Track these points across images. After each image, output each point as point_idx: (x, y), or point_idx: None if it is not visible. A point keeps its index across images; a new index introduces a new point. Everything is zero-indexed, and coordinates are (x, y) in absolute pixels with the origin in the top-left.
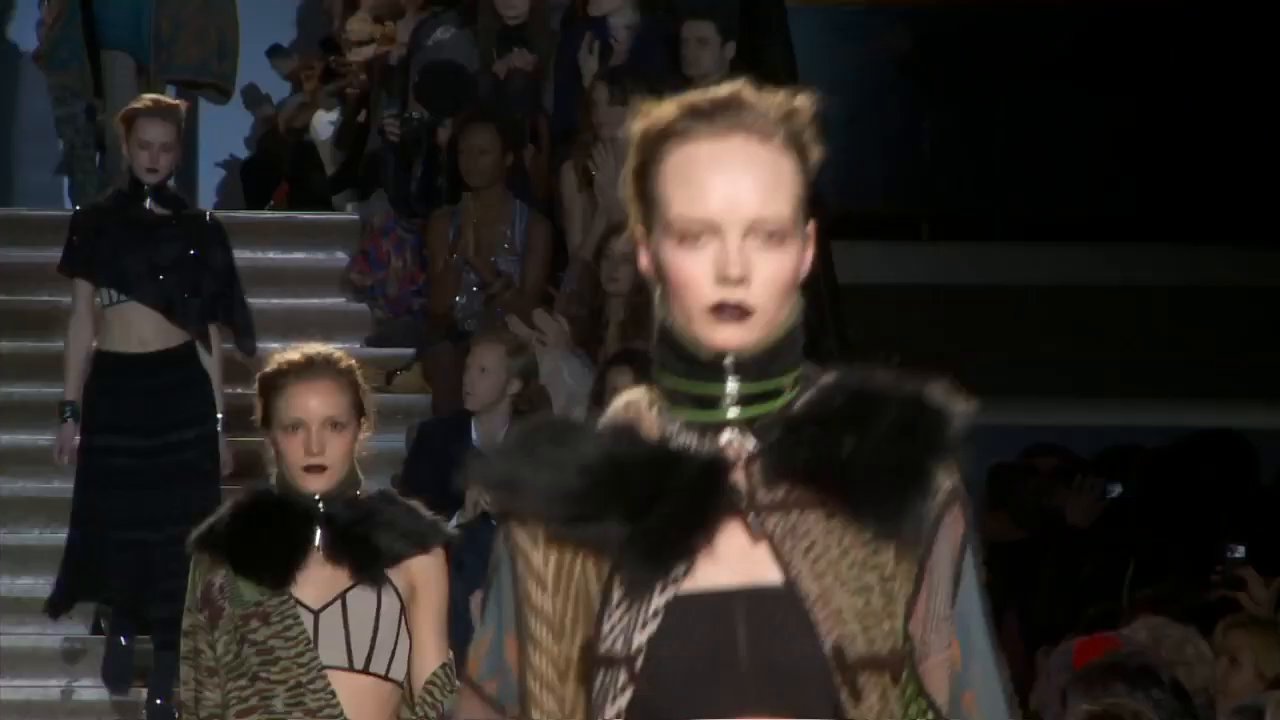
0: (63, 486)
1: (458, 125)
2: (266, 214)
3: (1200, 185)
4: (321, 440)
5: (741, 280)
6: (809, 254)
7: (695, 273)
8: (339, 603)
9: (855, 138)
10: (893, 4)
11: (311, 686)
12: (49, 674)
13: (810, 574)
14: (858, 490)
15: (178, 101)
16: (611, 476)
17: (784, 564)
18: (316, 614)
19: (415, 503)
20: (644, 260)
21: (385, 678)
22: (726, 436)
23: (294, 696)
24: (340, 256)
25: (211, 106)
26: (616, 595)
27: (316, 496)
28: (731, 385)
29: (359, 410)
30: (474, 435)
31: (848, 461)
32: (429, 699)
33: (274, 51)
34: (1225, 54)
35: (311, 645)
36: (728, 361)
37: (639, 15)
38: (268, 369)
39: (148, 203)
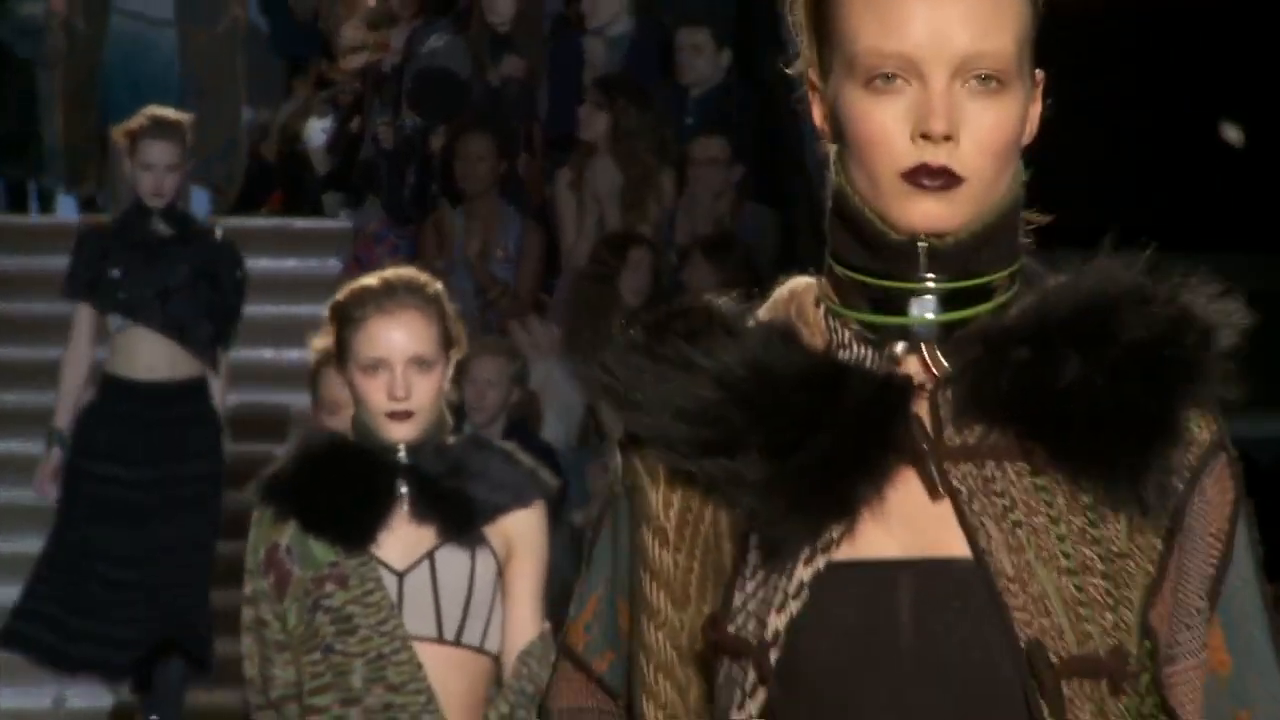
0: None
1: (453, 133)
2: (259, 221)
3: (1202, 191)
4: (407, 382)
5: (948, 137)
6: (1036, 110)
7: (887, 126)
8: (426, 563)
9: None
10: None
11: (395, 658)
12: (41, 683)
13: (1005, 546)
14: (1079, 437)
15: (180, 117)
16: (755, 392)
17: (971, 531)
18: (401, 576)
19: (511, 446)
20: (817, 113)
21: (480, 650)
22: (911, 350)
23: (374, 670)
24: (333, 263)
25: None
26: (753, 559)
27: (401, 446)
28: (926, 279)
29: (447, 343)
30: None
31: (1067, 396)
32: (525, 672)
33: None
34: (1227, 55)
35: (396, 611)
36: (923, 246)
37: (634, 21)
38: (341, 297)
39: (154, 222)
